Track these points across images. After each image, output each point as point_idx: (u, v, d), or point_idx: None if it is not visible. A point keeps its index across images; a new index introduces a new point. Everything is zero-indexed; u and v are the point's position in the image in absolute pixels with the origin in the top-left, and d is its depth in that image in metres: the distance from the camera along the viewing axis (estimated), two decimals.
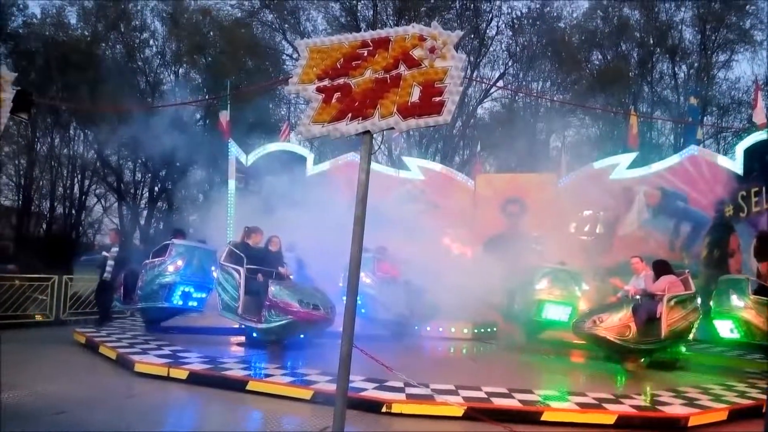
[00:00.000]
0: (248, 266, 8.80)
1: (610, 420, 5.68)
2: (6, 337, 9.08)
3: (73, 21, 25.81)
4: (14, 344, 8.82)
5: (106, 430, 4.94)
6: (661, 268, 8.85)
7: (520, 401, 6.05)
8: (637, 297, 8.79)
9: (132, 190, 27.15)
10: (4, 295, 10.74)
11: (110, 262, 10.83)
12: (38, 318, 11.42)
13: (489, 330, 12.34)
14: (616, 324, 8.38)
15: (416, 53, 4.49)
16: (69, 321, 11.54)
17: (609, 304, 9.12)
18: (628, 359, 8.57)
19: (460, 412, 5.65)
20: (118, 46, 26.10)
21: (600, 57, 27.37)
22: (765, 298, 8.38)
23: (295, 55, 24.57)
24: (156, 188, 26.72)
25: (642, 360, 8.60)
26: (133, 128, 16.87)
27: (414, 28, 4.64)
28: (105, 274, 10.82)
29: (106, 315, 11.15)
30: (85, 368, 7.56)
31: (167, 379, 6.85)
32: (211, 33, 26.37)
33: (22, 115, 6.53)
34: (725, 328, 8.80)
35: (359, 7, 26.38)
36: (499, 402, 5.98)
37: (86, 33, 25.69)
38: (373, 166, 4.44)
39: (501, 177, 17.41)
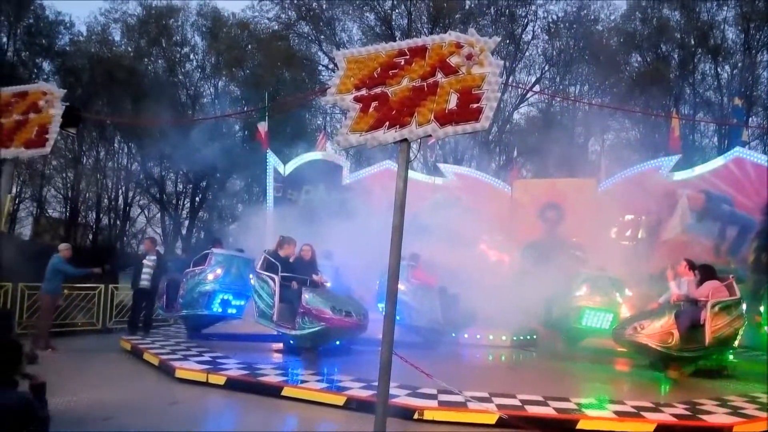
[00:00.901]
0: (283, 274, 8.93)
1: (649, 429, 5.55)
2: (56, 345, 9.42)
3: (117, 38, 26.81)
4: (64, 352, 9.16)
5: None
6: (705, 273, 8.55)
7: (555, 409, 5.96)
8: (680, 303, 8.55)
9: (174, 201, 27.81)
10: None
11: (146, 270, 10.83)
12: (80, 325, 11.70)
13: (528, 337, 12.15)
14: (657, 331, 8.17)
15: (453, 60, 4.49)
16: (115, 329, 11.89)
17: (650, 310, 8.86)
18: (671, 367, 8.35)
19: (492, 420, 5.61)
20: (159, 61, 26.93)
21: (639, 59, 26.80)
22: None
23: (330, 66, 24.91)
24: (197, 198, 27.34)
25: (685, 368, 8.37)
26: (174, 140, 17.36)
27: (451, 36, 4.65)
28: (142, 282, 10.80)
29: (136, 323, 10.97)
30: (131, 374, 7.78)
31: (206, 384, 7.01)
32: (249, 46, 26.93)
33: (70, 130, 6.81)
34: None
35: (393, 16, 26.53)
36: (533, 410, 5.91)
37: (129, 49, 26.56)
38: (409, 173, 4.48)
39: (538, 182, 17.12)
